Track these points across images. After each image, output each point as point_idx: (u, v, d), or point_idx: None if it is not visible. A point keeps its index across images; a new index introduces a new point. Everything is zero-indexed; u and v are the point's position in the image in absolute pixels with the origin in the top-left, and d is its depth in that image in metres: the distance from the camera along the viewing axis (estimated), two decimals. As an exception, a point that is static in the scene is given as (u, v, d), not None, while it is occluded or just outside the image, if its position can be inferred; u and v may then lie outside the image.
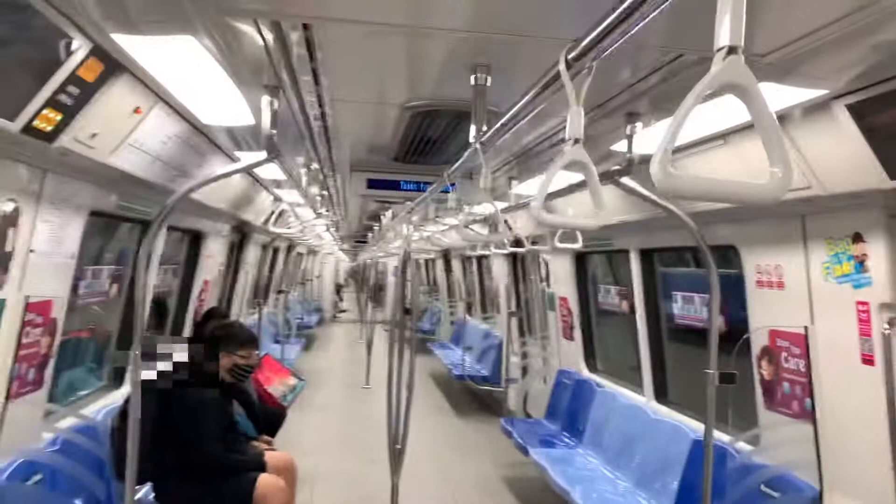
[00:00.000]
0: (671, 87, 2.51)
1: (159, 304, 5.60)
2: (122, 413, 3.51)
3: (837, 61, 2.07)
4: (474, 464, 6.87)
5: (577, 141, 1.25)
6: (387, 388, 5.00)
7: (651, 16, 1.05)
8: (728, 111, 2.66)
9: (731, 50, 0.78)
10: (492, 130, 2.09)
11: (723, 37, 0.78)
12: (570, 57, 1.27)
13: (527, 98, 1.70)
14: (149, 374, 2.85)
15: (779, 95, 2.34)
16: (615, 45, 1.15)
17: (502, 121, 1.95)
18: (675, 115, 0.78)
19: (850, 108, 2.28)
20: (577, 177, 4.46)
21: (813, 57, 2.02)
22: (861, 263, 2.81)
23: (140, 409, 2.74)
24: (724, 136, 2.94)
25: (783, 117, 2.61)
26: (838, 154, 2.48)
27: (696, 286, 5.01)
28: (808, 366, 3.14)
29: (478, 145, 2.25)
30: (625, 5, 1.05)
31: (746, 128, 2.82)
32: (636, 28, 1.08)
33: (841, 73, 2.15)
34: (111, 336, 4.53)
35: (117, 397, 4.09)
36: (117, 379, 4.41)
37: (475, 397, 9.78)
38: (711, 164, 3.15)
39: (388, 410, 4.95)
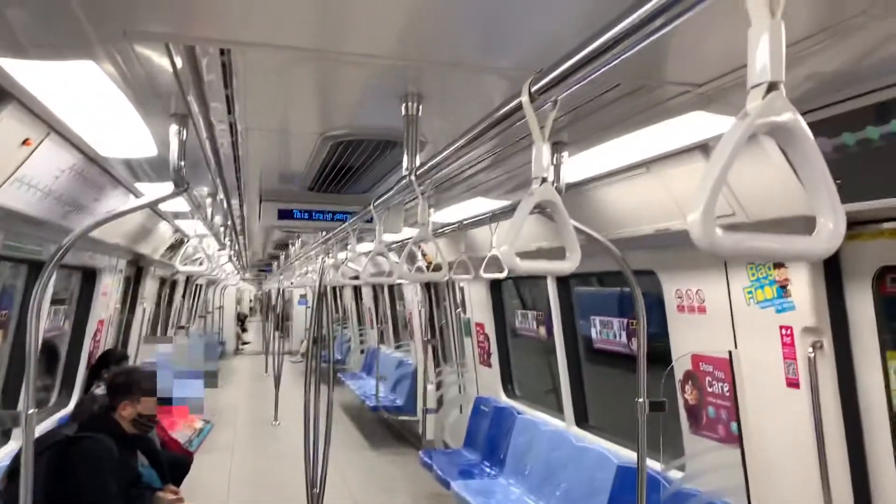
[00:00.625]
0: (599, 118, 2.48)
1: (49, 349, 5.14)
2: (11, 473, 3.16)
3: (767, 91, 2.08)
4: (393, 500, 6.67)
5: (544, 180, 1.15)
6: (304, 427, 4.77)
7: (634, 50, 0.96)
8: (650, 139, 2.68)
9: (772, 86, 0.69)
10: (430, 163, 1.98)
11: (760, 71, 0.69)
12: (533, 90, 1.18)
13: (476, 131, 1.60)
14: (42, 430, 2.56)
15: (709, 124, 2.35)
16: (589, 79, 1.06)
17: (444, 154, 1.84)
18: (710, 168, 0.69)
19: (777, 137, 2.31)
20: (490, 205, 4.43)
21: (744, 87, 2.02)
22: (783, 288, 2.86)
23: (32, 470, 2.44)
24: (647, 165, 2.95)
25: (706, 146, 2.64)
26: (763, 181, 2.51)
27: (600, 305, 5.06)
28: (734, 390, 3.17)
29: (413, 177, 2.13)
30: (604, 38, 0.96)
31: (669, 156, 2.84)
32: (617, 62, 1.00)
33: (770, 103, 2.17)
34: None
35: (2, 456, 3.69)
36: (3, 435, 3.98)
37: (390, 428, 9.57)
38: (635, 192, 3.16)
39: (304, 452, 4.72)
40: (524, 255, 1.20)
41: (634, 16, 0.89)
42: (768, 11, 0.69)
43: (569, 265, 1.20)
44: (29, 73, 2.03)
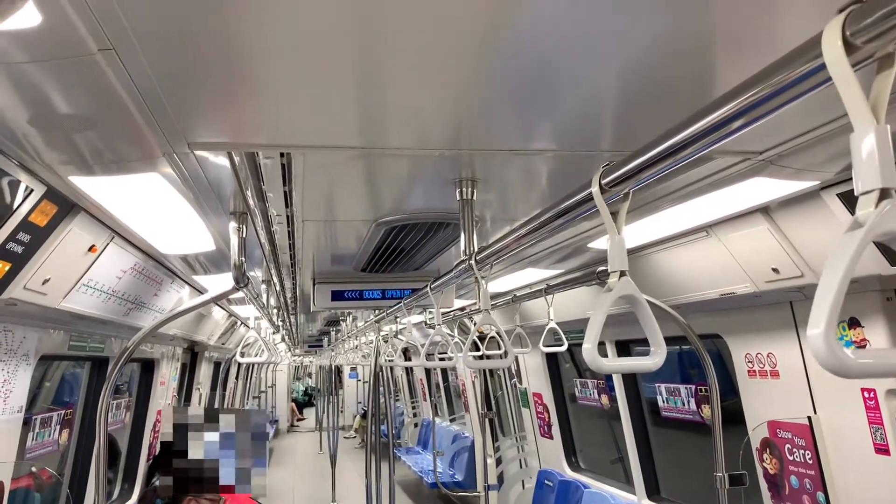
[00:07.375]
0: (655, 189, 2.45)
1: (110, 442, 5.18)
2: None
3: (829, 152, 2.03)
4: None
5: (623, 273, 1.12)
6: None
7: (710, 149, 0.94)
8: (708, 204, 2.63)
9: (884, 193, 0.64)
10: (490, 249, 1.96)
11: (870, 177, 0.64)
12: (604, 182, 1.16)
13: (539, 221, 1.58)
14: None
15: (769, 188, 2.29)
16: (664, 173, 1.04)
17: (505, 241, 1.82)
18: (826, 283, 0.64)
19: (843, 196, 2.25)
20: (539, 274, 4.38)
21: (805, 150, 1.98)
22: (861, 349, 2.73)
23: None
24: (706, 228, 2.89)
25: (769, 209, 2.57)
26: (829, 241, 2.43)
27: (662, 367, 4.89)
28: (817, 458, 3.01)
29: (473, 262, 2.11)
30: (683, 135, 0.94)
31: (728, 220, 2.78)
32: (689, 161, 0.97)
33: (832, 164, 2.12)
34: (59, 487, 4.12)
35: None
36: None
37: (450, 504, 9.34)
38: (696, 256, 3.09)
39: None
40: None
41: (715, 115, 0.87)
42: (872, 117, 0.65)
43: (654, 362, 1.15)
44: (95, 185, 2.09)
